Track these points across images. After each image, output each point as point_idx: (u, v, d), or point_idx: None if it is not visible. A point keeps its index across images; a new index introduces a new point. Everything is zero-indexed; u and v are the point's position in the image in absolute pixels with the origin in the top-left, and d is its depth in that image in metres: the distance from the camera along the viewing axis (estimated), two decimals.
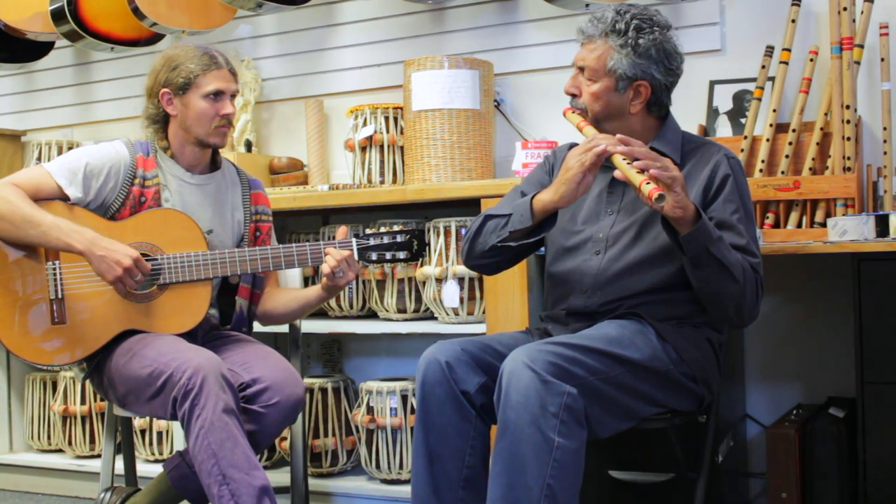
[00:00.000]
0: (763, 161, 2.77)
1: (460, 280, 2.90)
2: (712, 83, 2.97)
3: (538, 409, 1.88)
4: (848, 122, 2.63)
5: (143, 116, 2.50)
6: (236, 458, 2.13)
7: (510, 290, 2.71)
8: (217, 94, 2.42)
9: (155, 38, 3.61)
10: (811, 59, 2.80)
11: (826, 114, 2.72)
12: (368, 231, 2.86)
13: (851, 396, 2.51)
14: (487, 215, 2.24)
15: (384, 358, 3.47)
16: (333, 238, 2.44)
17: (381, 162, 3.21)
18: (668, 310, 2.14)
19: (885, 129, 2.71)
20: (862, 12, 2.72)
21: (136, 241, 2.37)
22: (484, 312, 2.83)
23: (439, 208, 3.05)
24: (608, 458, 2.55)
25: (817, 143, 2.72)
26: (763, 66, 2.85)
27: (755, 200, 2.65)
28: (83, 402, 3.58)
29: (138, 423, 3.41)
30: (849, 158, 2.63)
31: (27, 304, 2.35)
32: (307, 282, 3.13)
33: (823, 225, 2.63)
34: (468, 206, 2.86)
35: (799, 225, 2.70)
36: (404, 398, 3.00)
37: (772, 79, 2.85)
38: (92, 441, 3.59)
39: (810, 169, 2.72)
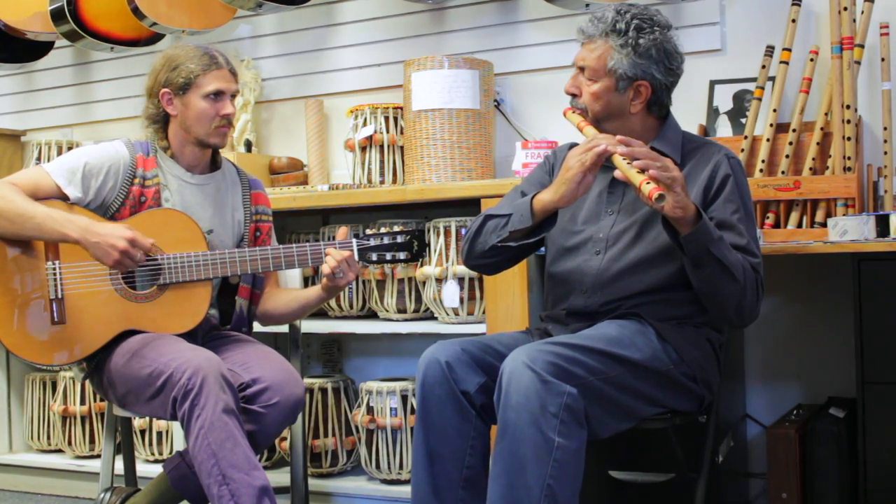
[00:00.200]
0: (763, 161, 2.77)
1: (460, 280, 2.90)
2: (712, 83, 2.97)
3: (538, 409, 1.88)
4: (848, 121, 2.63)
5: (143, 116, 2.50)
6: (236, 459, 2.12)
7: (510, 290, 2.71)
8: (217, 94, 2.42)
9: (155, 38, 3.61)
10: (811, 59, 2.79)
11: (826, 114, 2.72)
12: (368, 231, 2.86)
13: (852, 396, 2.51)
14: (487, 215, 2.24)
15: (384, 358, 3.46)
16: (333, 238, 2.45)
17: (381, 162, 3.21)
18: (669, 310, 2.14)
19: (885, 128, 2.70)
20: (862, 12, 2.71)
21: None
22: (484, 312, 2.83)
23: (439, 208, 3.05)
24: (608, 458, 2.55)
25: (818, 143, 2.72)
26: (763, 66, 2.85)
27: (755, 200, 2.65)
28: (83, 402, 3.58)
29: (138, 423, 3.41)
30: (849, 158, 2.62)
31: (27, 303, 2.34)
32: (307, 282, 3.13)
33: (824, 225, 2.63)
34: (468, 206, 2.86)
35: (799, 225, 2.70)
36: (404, 398, 3.00)
37: (772, 79, 2.84)
38: (92, 441, 3.59)
39: (811, 169, 2.71)
